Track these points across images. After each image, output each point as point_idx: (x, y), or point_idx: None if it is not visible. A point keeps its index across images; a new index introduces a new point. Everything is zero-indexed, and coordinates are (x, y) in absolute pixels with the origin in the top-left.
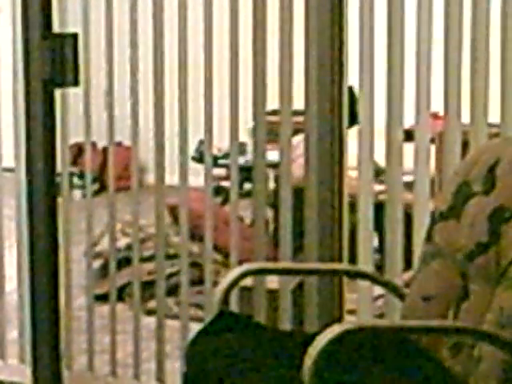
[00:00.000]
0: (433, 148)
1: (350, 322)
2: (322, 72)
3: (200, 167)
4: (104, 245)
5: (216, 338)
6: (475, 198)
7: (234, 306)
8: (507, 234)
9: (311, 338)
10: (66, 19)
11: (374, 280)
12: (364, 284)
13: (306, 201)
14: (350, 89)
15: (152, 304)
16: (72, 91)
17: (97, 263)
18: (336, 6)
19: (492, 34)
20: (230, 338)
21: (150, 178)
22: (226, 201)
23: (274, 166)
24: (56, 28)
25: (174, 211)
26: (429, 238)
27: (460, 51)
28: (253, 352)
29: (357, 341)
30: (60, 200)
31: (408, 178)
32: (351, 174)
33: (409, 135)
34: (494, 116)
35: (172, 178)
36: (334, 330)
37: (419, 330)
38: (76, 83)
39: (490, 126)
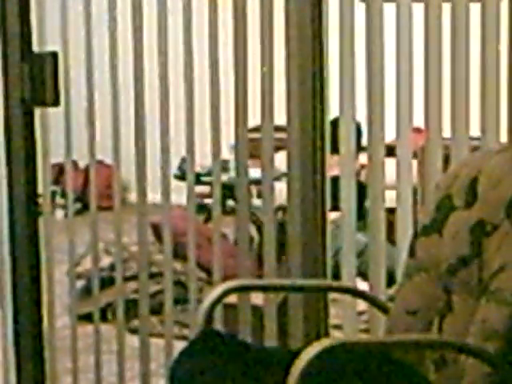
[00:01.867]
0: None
1: (333, 338)
2: (303, 88)
3: (183, 185)
4: (87, 264)
5: (200, 356)
6: (457, 212)
7: (218, 324)
8: (489, 247)
9: (295, 354)
10: (45, 38)
11: (358, 295)
12: (348, 299)
13: (288, 217)
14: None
15: (136, 323)
16: (52, 110)
17: (80, 283)
18: (316, 23)
19: (471, 48)
20: (214, 356)
21: (133, 197)
22: (209, 218)
23: (258, 182)
24: (35, 47)
25: (156, 229)
26: (411, 252)
27: (440, 65)
28: (237, 370)
29: (341, 356)
30: (42, 220)
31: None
32: None
33: (390, 150)
34: (475, 129)
35: (154, 196)
36: (317, 346)
37: (403, 344)
38: (56, 102)
39: (471, 139)
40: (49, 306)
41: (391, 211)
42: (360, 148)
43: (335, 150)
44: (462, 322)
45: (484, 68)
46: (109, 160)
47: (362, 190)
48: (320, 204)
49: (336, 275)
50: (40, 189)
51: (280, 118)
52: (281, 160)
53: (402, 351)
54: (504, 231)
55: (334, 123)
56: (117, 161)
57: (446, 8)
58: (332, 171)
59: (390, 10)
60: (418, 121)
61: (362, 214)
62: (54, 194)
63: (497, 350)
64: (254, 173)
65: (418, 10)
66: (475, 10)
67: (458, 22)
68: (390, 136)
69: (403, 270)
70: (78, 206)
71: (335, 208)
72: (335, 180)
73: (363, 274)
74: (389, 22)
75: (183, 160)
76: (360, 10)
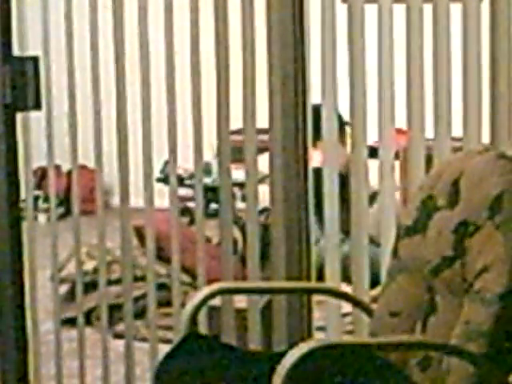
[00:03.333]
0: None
1: (317, 340)
2: (285, 90)
3: (166, 188)
4: (70, 269)
5: (184, 359)
6: (440, 213)
7: (202, 327)
8: (472, 247)
9: (279, 357)
10: (26, 42)
11: (342, 297)
12: (332, 301)
13: (272, 219)
14: (316, 108)
15: (120, 327)
16: (34, 114)
17: (63, 287)
18: (298, 25)
19: (453, 47)
20: (199, 359)
21: (116, 201)
22: (192, 221)
23: (241, 185)
24: (16, 51)
25: (140, 233)
26: (395, 253)
27: (422, 66)
28: (221, 373)
29: (325, 358)
30: (24, 224)
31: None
32: None
33: (373, 151)
34: (457, 130)
35: (138, 199)
36: (302, 348)
37: (387, 346)
38: (38, 106)
39: (454, 140)
40: (32, 311)
41: None
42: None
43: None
44: (445, 322)
45: (466, 68)
46: (91, 164)
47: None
48: (304, 205)
49: (320, 277)
50: (22, 193)
51: (262, 121)
52: (264, 162)
53: (387, 352)
54: (487, 231)
55: (316, 111)
56: (99, 165)
57: (427, 8)
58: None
59: (371, 11)
60: (400, 122)
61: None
62: (36, 198)
63: (480, 350)
64: (238, 175)
65: (400, 10)
66: (456, 10)
67: (440, 22)
68: (372, 137)
69: (387, 270)
70: (61, 210)
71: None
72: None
73: (348, 279)
74: (370, 23)
75: (166, 163)
76: (341, 11)
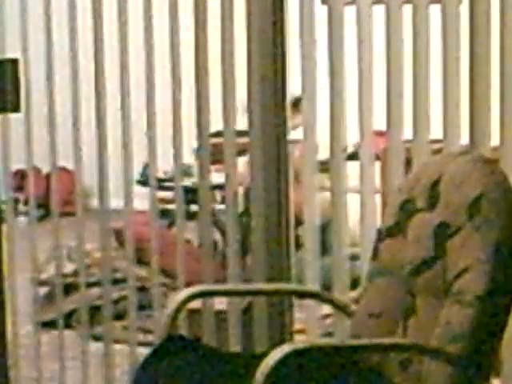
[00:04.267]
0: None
1: (297, 341)
2: (264, 92)
3: (145, 190)
4: (50, 271)
5: (164, 362)
6: (419, 215)
7: (182, 329)
8: (451, 249)
9: (259, 359)
10: (5, 45)
11: (322, 299)
12: (312, 303)
13: (252, 221)
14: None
15: (100, 329)
16: (13, 117)
17: (43, 290)
18: (278, 27)
19: (433, 49)
20: (179, 361)
21: (95, 203)
22: (172, 223)
23: (221, 187)
24: None
25: (119, 235)
26: (375, 254)
27: (401, 68)
28: (202, 375)
29: (305, 360)
30: (4, 227)
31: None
32: None
33: (353, 154)
34: (437, 132)
35: (117, 201)
36: (282, 350)
37: (366, 348)
38: (17, 108)
39: (433, 142)
40: (12, 314)
41: None
42: None
43: None
44: (426, 323)
45: (445, 71)
46: (71, 166)
47: None
48: (284, 208)
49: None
50: (2, 195)
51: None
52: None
53: (367, 354)
54: (466, 233)
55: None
56: (78, 167)
57: (407, 10)
58: None
59: (350, 13)
60: (380, 124)
61: None
62: (16, 201)
63: (460, 352)
64: (218, 178)
65: (379, 12)
66: (435, 12)
67: (419, 24)
68: (352, 139)
69: (367, 272)
70: (41, 212)
71: None
72: None
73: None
74: (350, 24)
75: (146, 165)
76: (322, 13)
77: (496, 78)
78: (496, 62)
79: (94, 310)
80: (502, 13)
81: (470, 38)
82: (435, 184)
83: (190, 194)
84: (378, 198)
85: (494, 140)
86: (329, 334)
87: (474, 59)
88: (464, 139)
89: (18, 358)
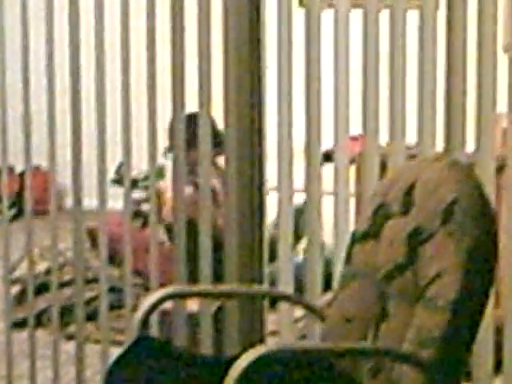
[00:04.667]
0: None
1: (269, 344)
2: (240, 95)
3: (120, 190)
4: (22, 270)
5: (135, 362)
6: (393, 219)
7: (154, 330)
8: (424, 254)
9: (231, 361)
10: None
11: (294, 302)
12: (285, 306)
13: (226, 222)
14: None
15: (72, 329)
16: None
17: (15, 288)
18: (254, 27)
19: (409, 54)
20: (149, 362)
21: (69, 202)
22: (145, 224)
23: None
24: None
25: (92, 235)
26: (348, 258)
27: (377, 72)
28: (172, 376)
29: (277, 363)
30: None
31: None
32: None
33: (328, 157)
34: (412, 137)
35: (91, 201)
36: (253, 352)
37: (338, 352)
38: None
39: (408, 148)
40: None
41: None
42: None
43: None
44: (397, 328)
45: (421, 76)
46: (45, 165)
47: None
48: (258, 210)
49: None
50: None
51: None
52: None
53: (338, 358)
54: (439, 239)
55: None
56: (52, 166)
57: (384, 15)
58: None
59: (327, 16)
60: (355, 130)
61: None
62: None
63: (432, 357)
64: None
65: (356, 16)
66: (413, 17)
67: (396, 29)
68: (327, 143)
69: (340, 276)
70: (14, 211)
71: None
72: None
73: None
74: (326, 28)
75: (120, 165)
76: (299, 16)
77: (472, 83)
78: (472, 68)
79: (66, 310)
80: (479, 19)
81: (447, 43)
82: (410, 189)
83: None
84: (352, 201)
85: (470, 146)
86: (302, 337)
87: (450, 64)
88: (439, 145)
89: None
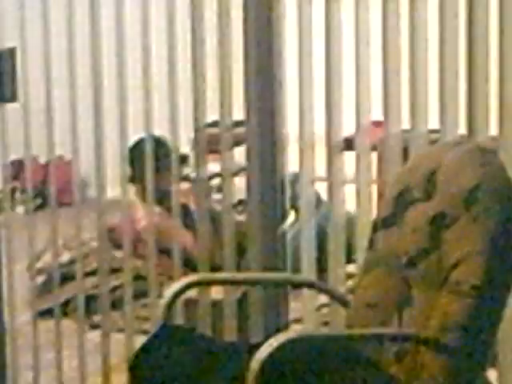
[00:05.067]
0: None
1: (293, 331)
2: (261, 82)
3: None
4: (47, 260)
5: (160, 350)
6: (416, 205)
7: (179, 318)
8: (448, 239)
9: (255, 348)
10: (3, 34)
11: (318, 289)
12: (308, 292)
13: (248, 211)
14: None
15: (97, 318)
16: (11, 106)
17: (40, 278)
18: (273, 18)
19: (431, 38)
20: (174, 350)
21: (93, 192)
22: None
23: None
24: None
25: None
26: (371, 245)
27: (399, 58)
28: (197, 364)
29: (301, 350)
30: (2, 216)
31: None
32: None
33: (349, 144)
34: (434, 122)
35: (114, 191)
36: (277, 339)
37: (362, 337)
38: (13, 98)
39: (430, 132)
40: (9, 302)
41: None
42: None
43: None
44: (422, 314)
45: (443, 60)
46: (68, 155)
47: None
48: (280, 198)
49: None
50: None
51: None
52: (241, 154)
53: (362, 344)
54: (463, 223)
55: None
56: (76, 156)
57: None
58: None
59: (348, 2)
60: (377, 114)
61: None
62: (13, 189)
63: (456, 342)
64: (214, 167)
65: (376, 1)
66: (434, 2)
67: (417, 12)
68: (348, 129)
69: (363, 262)
70: (39, 201)
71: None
72: None
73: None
74: (347, 14)
75: None
76: (319, 2)
77: (495, 67)
78: (494, 51)
79: (91, 299)
80: (500, 1)
81: (468, 26)
82: (432, 174)
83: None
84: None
85: (493, 130)
86: (326, 324)
87: (472, 48)
88: (462, 129)
89: (16, 346)
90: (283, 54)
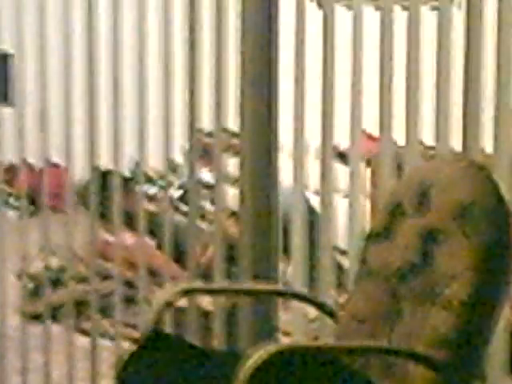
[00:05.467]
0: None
1: (280, 342)
2: (256, 93)
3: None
4: (37, 265)
5: (148, 358)
6: (409, 220)
7: (167, 326)
8: (440, 255)
9: (243, 357)
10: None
11: (308, 301)
12: (299, 305)
13: (240, 221)
14: None
15: (87, 324)
16: (6, 112)
17: (31, 283)
18: (270, 28)
19: (426, 53)
20: (162, 357)
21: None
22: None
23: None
24: None
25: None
26: (363, 259)
27: (393, 72)
28: (185, 372)
29: (288, 361)
30: None
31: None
32: None
33: (343, 157)
34: (428, 138)
35: None
36: (266, 350)
37: (351, 350)
38: (5, 99)
39: (425, 148)
40: (0, 305)
41: None
42: None
43: None
44: (411, 329)
45: (438, 76)
46: (62, 161)
47: None
48: (273, 209)
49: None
50: None
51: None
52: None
53: (351, 357)
54: (455, 240)
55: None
56: (70, 162)
57: (401, 13)
58: None
59: (344, 14)
60: (372, 128)
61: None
62: (8, 196)
63: (446, 358)
64: (207, 177)
65: (372, 14)
66: (430, 16)
67: (412, 27)
68: (342, 143)
69: (354, 276)
70: (32, 207)
71: None
72: None
73: None
74: (343, 27)
75: (136, 163)
76: (315, 15)
77: (491, 83)
78: (491, 67)
79: (80, 305)
80: (498, 16)
81: (465, 42)
82: (426, 190)
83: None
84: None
85: (488, 147)
86: (316, 338)
87: (468, 64)
88: (457, 146)
89: (5, 350)
90: (278, 63)
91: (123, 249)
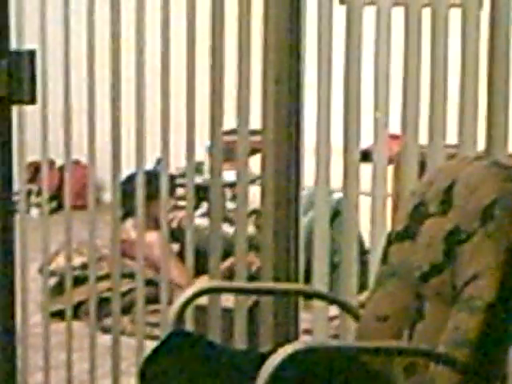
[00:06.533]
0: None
1: (301, 341)
2: (279, 91)
3: None
4: (59, 262)
5: (169, 356)
6: (431, 219)
7: (189, 325)
8: (462, 255)
9: (265, 357)
10: (23, 36)
11: (329, 300)
12: (319, 304)
13: (262, 220)
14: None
15: (108, 322)
16: (29, 109)
17: (52, 280)
18: (294, 26)
19: (452, 53)
20: (183, 356)
21: (108, 196)
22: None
23: (232, 185)
24: (13, 45)
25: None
26: (384, 258)
27: (418, 71)
28: (206, 371)
29: (310, 361)
30: (17, 218)
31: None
32: None
33: (366, 156)
34: (452, 137)
35: None
36: (286, 350)
37: (372, 350)
38: (33, 101)
39: (448, 147)
40: (22, 303)
41: None
42: None
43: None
44: (433, 329)
45: (463, 75)
46: (84, 159)
47: None
48: (294, 208)
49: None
50: (16, 187)
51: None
52: (256, 163)
53: (372, 357)
54: (478, 239)
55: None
56: (91, 160)
57: (427, 13)
58: None
59: (369, 13)
60: (395, 127)
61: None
62: (30, 192)
63: (467, 358)
64: (229, 175)
65: (398, 14)
66: (455, 16)
67: (438, 27)
68: (366, 141)
69: (376, 276)
70: (54, 204)
71: None
72: None
73: None
74: (368, 26)
75: (158, 161)
76: (339, 13)
77: None
78: None
79: (102, 303)
80: None
81: (490, 42)
82: (449, 189)
83: (201, 191)
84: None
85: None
86: (336, 336)
87: (492, 64)
88: (480, 145)
89: (27, 347)
90: (302, 61)
91: (146, 247)
